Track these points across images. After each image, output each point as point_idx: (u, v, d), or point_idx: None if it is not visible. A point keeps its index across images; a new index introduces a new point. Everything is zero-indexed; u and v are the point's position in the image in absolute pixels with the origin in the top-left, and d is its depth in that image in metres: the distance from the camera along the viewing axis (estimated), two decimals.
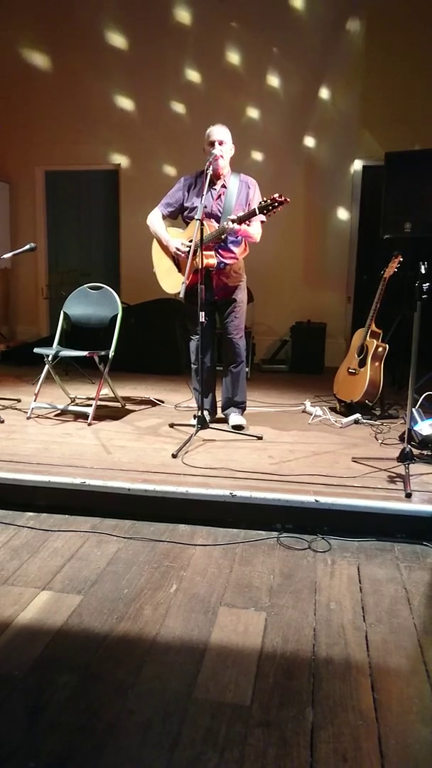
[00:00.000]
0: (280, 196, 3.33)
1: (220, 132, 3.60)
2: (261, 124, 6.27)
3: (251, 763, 1.50)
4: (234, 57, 6.23)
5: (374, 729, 1.62)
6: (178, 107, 6.40)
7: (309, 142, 6.26)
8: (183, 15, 6.24)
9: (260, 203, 3.40)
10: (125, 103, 6.51)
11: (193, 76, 6.33)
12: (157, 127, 6.49)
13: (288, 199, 3.35)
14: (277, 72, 6.17)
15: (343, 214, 6.35)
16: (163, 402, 4.69)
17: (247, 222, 3.55)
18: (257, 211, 3.40)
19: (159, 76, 6.38)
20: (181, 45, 6.30)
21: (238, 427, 3.82)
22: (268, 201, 3.36)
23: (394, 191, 5.08)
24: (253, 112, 6.27)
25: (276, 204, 3.34)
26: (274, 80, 6.20)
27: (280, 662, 1.88)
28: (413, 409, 3.40)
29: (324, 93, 6.14)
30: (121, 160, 6.65)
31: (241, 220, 3.47)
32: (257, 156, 6.22)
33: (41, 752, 1.53)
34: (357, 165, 6.24)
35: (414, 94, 5.87)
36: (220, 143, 3.58)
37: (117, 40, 6.41)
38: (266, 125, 6.28)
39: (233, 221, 3.45)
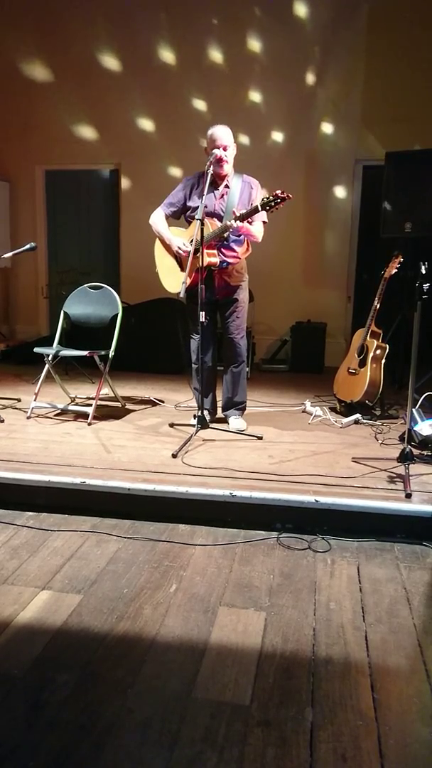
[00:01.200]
0: (282, 192, 3.33)
1: (223, 135, 3.58)
2: (261, 123, 6.27)
3: (250, 762, 1.50)
4: (234, 56, 6.22)
5: (374, 728, 1.62)
6: (179, 107, 6.39)
7: (309, 141, 6.26)
8: (188, 20, 6.23)
9: (263, 200, 3.41)
10: (126, 102, 6.50)
11: (194, 76, 6.33)
12: (157, 126, 6.49)
13: (290, 195, 3.35)
14: (278, 72, 6.17)
15: (343, 213, 6.35)
16: (163, 402, 4.69)
17: (249, 220, 3.55)
18: (259, 208, 3.41)
19: (160, 76, 6.38)
20: (185, 48, 6.30)
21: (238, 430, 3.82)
22: (270, 197, 3.36)
23: (394, 191, 5.08)
24: (253, 112, 6.27)
25: (278, 200, 3.34)
26: (274, 80, 6.20)
27: (279, 662, 1.88)
28: (413, 410, 3.40)
29: (325, 92, 6.14)
30: (121, 159, 6.65)
31: (243, 217, 3.47)
32: (257, 156, 6.20)
33: (40, 751, 1.53)
34: (357, 165, 6.24)
35: (415, 94, 5.86)
36: (224, 148, 3.58)
37: (119, 41, 6.41)
38: (266, 125, 6.27)
39: (235, 218, 3.46)
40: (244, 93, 6.26)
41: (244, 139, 6.08)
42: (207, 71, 6.31)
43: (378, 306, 4.16)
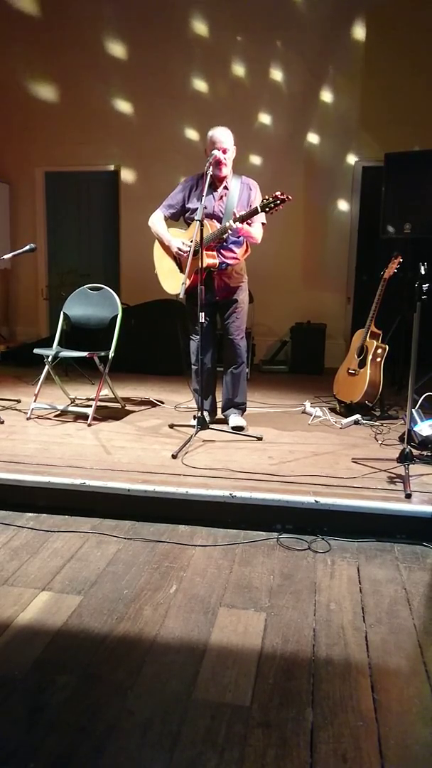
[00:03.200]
0: (282, 194, 3.33)
1: (223, 138, 3.58)
2: (261, 124, 6.27)
3: (251, 763, 1.50)
4: (234, 59, 6.23)
5: (374, 729, 1.62)
6: (179, 108, 6.39)
7: (309, 142, 6.26)
8: (186, 21, 6.24)
9: (262, 201, 3.41)
10: (125, 104, 6.51)
11: (195, 78, 6.33)
12: (157, 127, 6.49)
13: (290, 197, 3.35)
14: (277, 73, 6.17)
15: (342, 214, 6.36)
16: (163, 403, 4.69)
17: (248, 222, 3.56)
18: (259, 209, 3.41)
19: (159, 78, 6.38)
20: (183, 49, 6.30)
21: (237, 428, 3.82)
22: (270, 198, 3.36)
23: (393, 192, 5.08)
24: (253, 114, 6.27)
25: (278, 201, 3.34)
26: (273, 81, 6.20)
27: (279, 663, 1.88)
28: (413, 410, 3.40)
29: (324, 94, 6.15)
30: (121, 161, 6.66)
31: (243, 219, 3.47)
32: (257, 157, 6.22)
33: (41, 753, 1.53)
34: (356, 166, 6.25)
35: (414, 95, 5.87)
36: (224, 151, 3.58)
37: (118, 42, 6.41)
38: (266, 126, 6.28)
39: (235, 220, 3.46)
40: (245, 94, 6.25)
41: (245, 140, 6.07)
42: (206, 73, 6.31)
43: (377, 307, 4.16)
